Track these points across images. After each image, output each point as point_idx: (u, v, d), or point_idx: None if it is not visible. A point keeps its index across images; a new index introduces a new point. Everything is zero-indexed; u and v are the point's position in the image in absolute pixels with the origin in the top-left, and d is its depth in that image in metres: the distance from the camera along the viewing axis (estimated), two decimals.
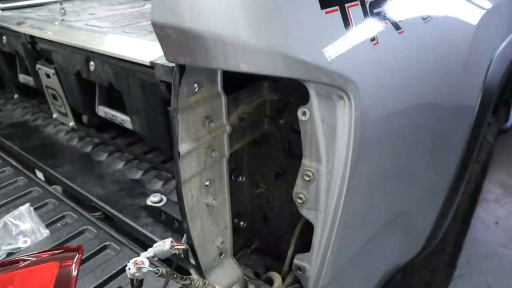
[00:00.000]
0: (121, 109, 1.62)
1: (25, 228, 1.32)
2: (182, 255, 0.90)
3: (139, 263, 0.80)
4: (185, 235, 0.90)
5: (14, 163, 1.73)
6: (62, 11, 1.99)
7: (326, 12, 0.65)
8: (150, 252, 0.85)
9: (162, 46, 0.68)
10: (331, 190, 0.79)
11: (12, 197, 1.49)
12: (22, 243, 1.29)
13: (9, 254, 1.25)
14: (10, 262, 0.83)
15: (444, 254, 1.67)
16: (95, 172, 1.67)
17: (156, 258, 0.87)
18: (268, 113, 1.04)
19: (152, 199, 1.44)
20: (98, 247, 1.26)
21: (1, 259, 1.23)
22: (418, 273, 1.61)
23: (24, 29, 1.84)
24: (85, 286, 1.12)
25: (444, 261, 1.73)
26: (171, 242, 0.87)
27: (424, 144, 1.03)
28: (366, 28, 0.72)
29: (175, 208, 1.36)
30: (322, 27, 0.65)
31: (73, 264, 0.80)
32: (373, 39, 0.72)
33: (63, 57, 1.69)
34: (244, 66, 0.63)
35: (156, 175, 1.61)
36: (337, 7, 0.67)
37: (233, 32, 0.60)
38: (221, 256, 0.98)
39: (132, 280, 0.82)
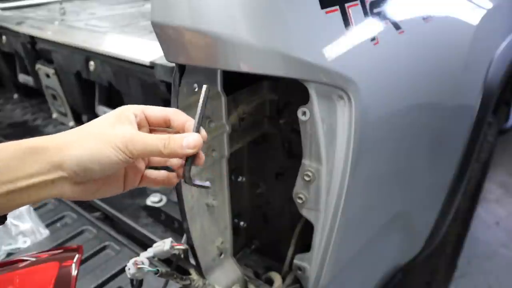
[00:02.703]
0: None
1: (24, 228, 1.32)
2: (182, 255, 0.90)
3: (139, 263, 0.80)
4: (185, 235, 0.89)
5: None
6: (62, 11, 1.99)
7: (326, 12, 0.65)
8: (150, 252, 0.85)
9: (162, 46, 0.68)
10: (331, 190, 0.79)
11: None
12: (22, 243, 1.28)
13: (9, 254, 1.25)
14: (10, 262, 0.83)
15: (445, 254, 1.66)
16: None
17: (156, 258, 0.87)
18: (268, 113, 1.04)
19: (152, 199, 1.44)
20: (98, 247, 1.26)
21: (1, 259, 1.23)
22: (418, 273, 1.61)
23: (24, 29, 1.84)
24: (85, 286, 1.12)
25: (444, 261, 1.73)
26: (171, 242, 0.87)
27: (424, 144, 1.03)
28: (366, 28, 0.72)
29: (175, 208, 1.36)
30: (322, 27, 0.65)
31: (73, 264, 0.79)
32: (373, 39, 0.72)
33: (63, 57, 1.69)
34: (244, 66, 0.63)
35: None
36: (337, 7, 0.67)
37: (233, 32, 0.60)
38: (221, 256, 0.98)
39: (132, 280, 0.82)
